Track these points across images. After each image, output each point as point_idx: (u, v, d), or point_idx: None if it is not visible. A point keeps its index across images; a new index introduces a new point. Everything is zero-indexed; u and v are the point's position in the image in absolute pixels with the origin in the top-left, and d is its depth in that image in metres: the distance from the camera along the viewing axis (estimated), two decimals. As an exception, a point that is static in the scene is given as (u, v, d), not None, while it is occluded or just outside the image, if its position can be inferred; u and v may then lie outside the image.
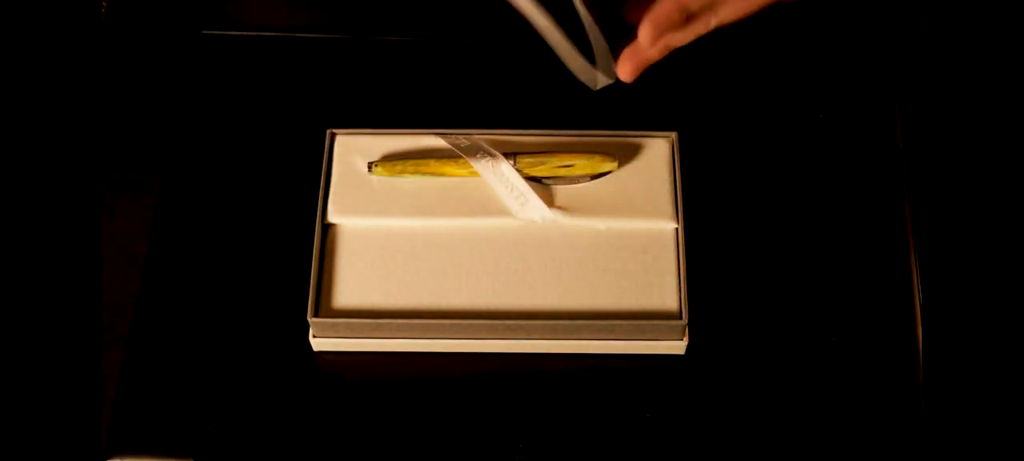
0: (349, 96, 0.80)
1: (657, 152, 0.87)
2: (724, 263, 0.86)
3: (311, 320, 0.82)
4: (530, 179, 0.85)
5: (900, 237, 0.88)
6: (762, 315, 0.85)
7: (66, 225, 0.78)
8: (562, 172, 0.85)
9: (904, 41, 0.96)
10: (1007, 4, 0.78)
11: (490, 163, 0.84)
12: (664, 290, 0.83)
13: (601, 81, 0.79)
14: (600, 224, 0.85)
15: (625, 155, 0.87)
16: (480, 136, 0.86)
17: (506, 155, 0.85)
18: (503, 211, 0.85)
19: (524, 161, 0.85)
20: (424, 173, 0.86)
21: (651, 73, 0.94)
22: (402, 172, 0.86)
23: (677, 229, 0.84)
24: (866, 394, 0.82)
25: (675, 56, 0.95)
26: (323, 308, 0.83)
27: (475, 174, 0.85)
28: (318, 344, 0.83)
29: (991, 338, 0.74)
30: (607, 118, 0.89)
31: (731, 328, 0.84)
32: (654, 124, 0.89)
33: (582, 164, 0.85)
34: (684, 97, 0.85)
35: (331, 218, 0.85)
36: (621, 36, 0.77)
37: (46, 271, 0.76)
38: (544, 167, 0.85)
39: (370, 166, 0.86)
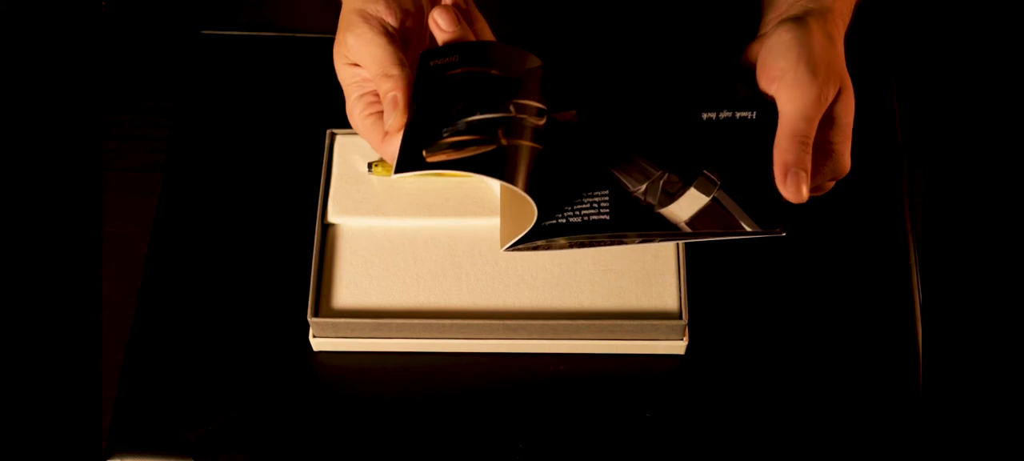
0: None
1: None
2: (724, 263, 0.86)
3: (311, 320, 0.82)
4: None
5: (900, 237, 0.88)
6: (762, 315, 0.85)
7: (66, 225, 0.78)
8: None
9: (904, 40, 0.96)
10: (1007, 4, 0.78)
11: None
12: (664, 290, 0.83)
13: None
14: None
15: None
16: None
17: None
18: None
19: None
20: (424, 173, 0.86)
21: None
22: (402, 172, 0.86)
23: (677, 229, 0.84)
24: (866, 394, 0.82)
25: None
26: (323, 308, 0.83)
27: (475, 174, 0.85)
28: (318, 344, 0.83)
29: (991, 338, 0.74)
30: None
31: (731, 328, 0.84)
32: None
33: None
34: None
35: (331, 218, 0.85)
36: None
37: (46, 271, 0.76)
38: None
39: (370, 166, 0.87)
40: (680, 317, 0.81)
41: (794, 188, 0.75)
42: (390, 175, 0.86)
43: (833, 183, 0.80)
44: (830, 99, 0.77)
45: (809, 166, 0.75)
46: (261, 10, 1.04)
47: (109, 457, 0.81)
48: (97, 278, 0.79)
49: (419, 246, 0.85)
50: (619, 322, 0.81)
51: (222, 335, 0.85)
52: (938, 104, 0.78)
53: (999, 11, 0.79)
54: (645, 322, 0.81)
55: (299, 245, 0.86)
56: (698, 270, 0.85)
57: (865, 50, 0.94)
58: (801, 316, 0.85)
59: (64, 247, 0.77)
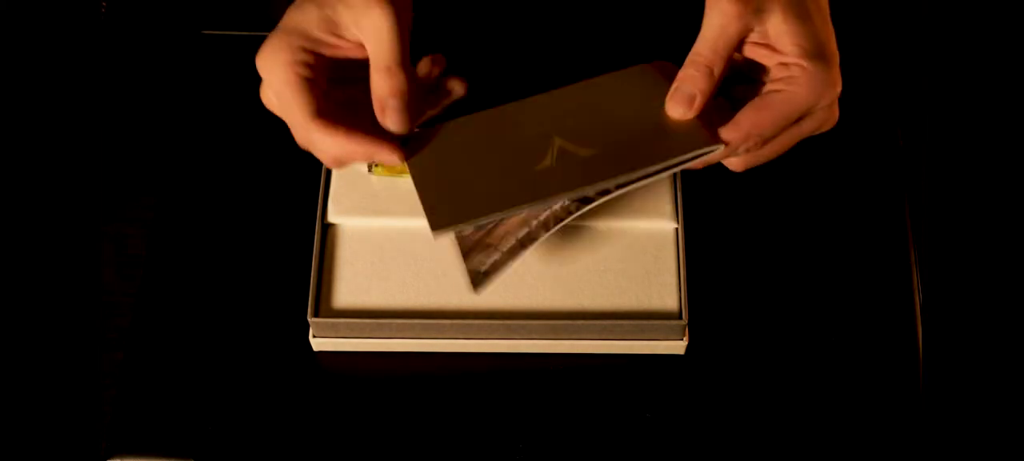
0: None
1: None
2: (724, 263, 0.86)
3: (311, 320, 0.82)
4: None
5: (900, 237, 0.88)
6: (762, 315, 0.85)
7: (66, 225, 0.78)
8: None
9: (904, 41, 0.96)
10: (1007, 4, 0.78)
11: None
12: (664, 290, 0.83)
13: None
14: (600, 224, 0.85)
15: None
16: None
17: None
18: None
19: None
20: (424, 173, 0.86)
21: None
22: (402, 172, 0.86)
23: (677, 229, 0.84)
24: (866, 394, 0.82)
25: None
26: (323, 308, 0.83)
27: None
28: (318, 344, 0.83)
29: (991, 338, 0.74)
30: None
31: (731, 328, 0.84)
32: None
33: None
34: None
35: (331, 218, 0.85)
36: None
37: (46, 271, 0.76)
38: None
39: (370, 166, 0.86)
40: (680, 317, 0.81)
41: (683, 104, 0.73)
42: (391, 175, 0.86)
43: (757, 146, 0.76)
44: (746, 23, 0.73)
45: (704, 88, 0.73)
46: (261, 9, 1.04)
47: (109, 457, 0.81)
48: (96, 278, 0.79)
49: (419, 246, 0.85)
50: (619, 322, 0.81)
51: (222, 335, 0.85)
52: (938, 104, 0.78)
53: (998, 11, 0.79)
54: (645, 322, 0.81)
55: (299, 245, 0.86)
56: (698, 270, 0.85)
57: (865, 51, 0.94)
58: (801, 316, 0.85)
59: (64, 247, 0.77)
